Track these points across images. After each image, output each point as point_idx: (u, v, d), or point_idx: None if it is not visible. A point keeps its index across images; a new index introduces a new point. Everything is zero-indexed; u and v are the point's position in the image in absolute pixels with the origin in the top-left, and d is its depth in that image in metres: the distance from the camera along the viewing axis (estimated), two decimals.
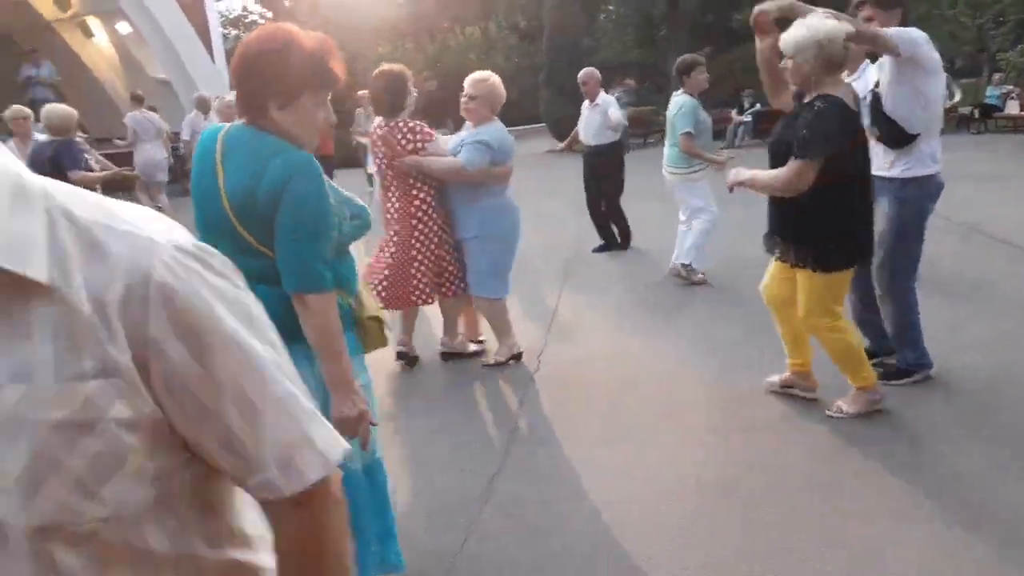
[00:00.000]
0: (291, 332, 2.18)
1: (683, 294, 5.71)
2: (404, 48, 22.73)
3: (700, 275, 5.91)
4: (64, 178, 3.87)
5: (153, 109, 11.09)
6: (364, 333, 2.23)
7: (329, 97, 1.96)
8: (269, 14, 29.80)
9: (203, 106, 10.64)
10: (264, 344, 0.83)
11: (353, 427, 1.96)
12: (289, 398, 0.84)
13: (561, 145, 8.83)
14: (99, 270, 0.73)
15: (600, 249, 7.49)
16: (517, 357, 4.50)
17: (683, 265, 5.93)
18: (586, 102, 7.30)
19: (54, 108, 6.38)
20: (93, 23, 15.40)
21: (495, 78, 4.34)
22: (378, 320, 2.27)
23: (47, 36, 15.52)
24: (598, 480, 3.08)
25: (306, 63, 1.85)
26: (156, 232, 0.77)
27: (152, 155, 10.16)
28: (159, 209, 6.74)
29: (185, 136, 10.69)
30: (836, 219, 3.19)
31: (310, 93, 1.89)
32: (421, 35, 24.24)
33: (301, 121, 1.90)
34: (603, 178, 7.37)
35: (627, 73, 20.37)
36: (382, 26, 25.26)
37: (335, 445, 0.88)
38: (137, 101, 10.78)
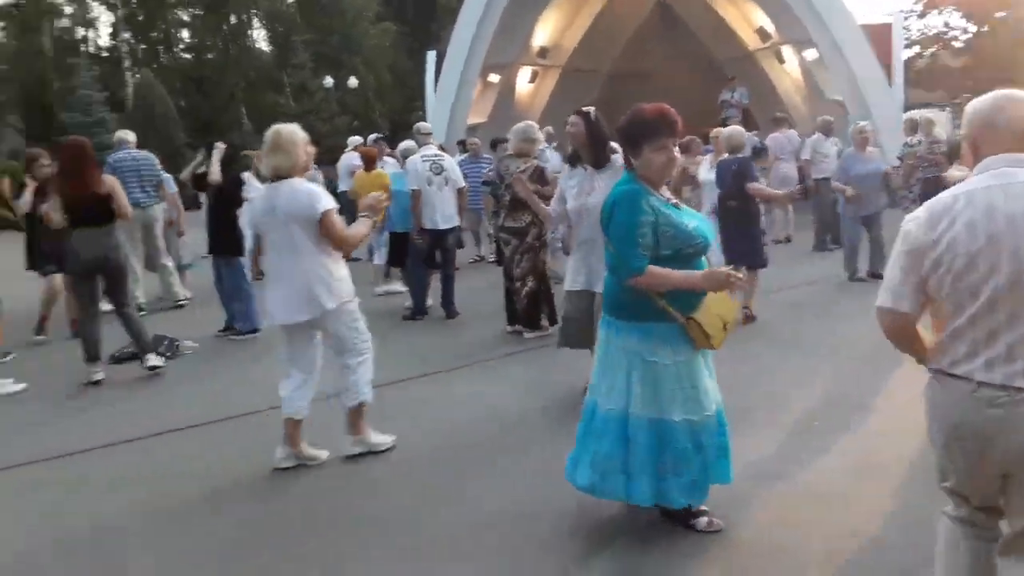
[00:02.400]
0: (623, 308, 3.13)
1: None
2: None
3: None
4: None
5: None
6: (688, 330, 2.97)
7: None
8: (972, 28, 27.94)
9: (826, 129, 11.10)
10: None
11: (720, 283, 2.93)
12: None
13: None
14: None
15: None
16: None
17: None
18: None
19: (732, 130, 7.69)
20: (786, 51, 17.14)
21: None
22: (699, 323, 2.96)
23: (747, 64, 17.90)
24: None
25: None
26: None
27: (786, 172, 11.22)
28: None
29: (805, 156, 11.29)
30: None
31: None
32: None
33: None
34: None
35: None
36: None
37: None
38: (777, 123, 11.89)
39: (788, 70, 17.49)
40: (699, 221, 3.18)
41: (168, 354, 6.43)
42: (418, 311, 7.72)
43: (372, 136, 12.74)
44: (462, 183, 7.78)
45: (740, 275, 3.03)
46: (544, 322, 6.66)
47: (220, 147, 7.28)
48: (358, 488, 3.91)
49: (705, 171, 8.13)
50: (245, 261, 7.29)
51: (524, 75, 19.76)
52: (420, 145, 8.15)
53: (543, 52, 19.50)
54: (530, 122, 6.71)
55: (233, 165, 7.44)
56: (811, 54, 15.93)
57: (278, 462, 4.12)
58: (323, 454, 4.22)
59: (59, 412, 5.34)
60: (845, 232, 8.73)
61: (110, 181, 5.96)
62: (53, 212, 5.69)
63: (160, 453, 4.51)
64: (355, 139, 13.46)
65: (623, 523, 3.28)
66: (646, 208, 2.99)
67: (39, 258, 7.31)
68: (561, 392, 5.02)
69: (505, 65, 18.82)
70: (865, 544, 3.08)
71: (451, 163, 7.91)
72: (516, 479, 3.84)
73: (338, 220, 4.04)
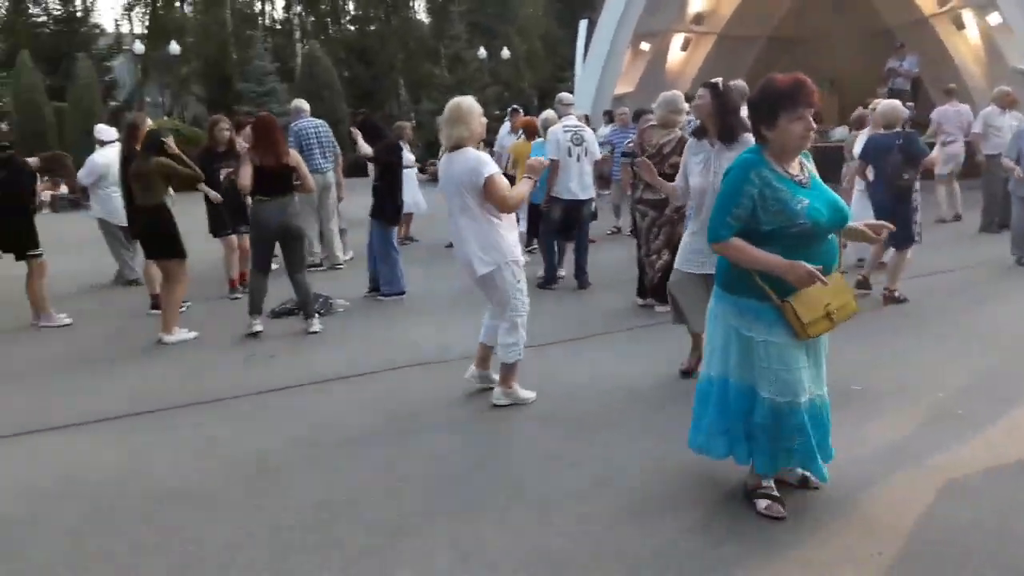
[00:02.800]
0: (726, 279, 3.16)
1: None
2: None
3: None
4: None
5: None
6: (783, 313, 2.94)
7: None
8: None
9: (1003, 101, 10.13)
10: None
11: (799, 277, 2.85)
12: None
13: None
14: None
15: None
16: None
17: None
18: None
19: (888, 103, 7.25)
20: (966, 15, 15.81)
21: None
22: (793, 308, 2.91)
23: (921, 30, 16.65)
24: None
25: None
26: None
27: (953, 149, 10.49)
28: None
29: (976, 129, 10.41)
30: None
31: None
32: None
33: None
34: None
35: None
36: None
37: None
38: (948, 95, 11.06)
39: (967, 36, 16.14)
40: (823, 202, 3.02)
41: (322, 311, 6.95)
42: (550, 280, 7.89)
43: (511, 107, 13.01)
44: (599, 155, 7.84)
45: (823, 277, 2.88)
46: None
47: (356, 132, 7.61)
48: (499, 436, 4.27)
49: (860, 146, 7.78)
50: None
51: (676, 43, 19.35)
52: (561, 116, 8.26)
53: (698, 18, 19.00)
54: (677, 92, 6.62)
55: (378, 133, 7.74)
56: (995, 18, 14.64)
57: (468, 377, 4.84)
58: (530, 394, 4.71)
59: (223, 359, 5.95)
60: (1015, 213, 8.10)
61: (295, 155, 6.51)
62: (244, 180, 6.21)
63: (310, 400, 4.97)
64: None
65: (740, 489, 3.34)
66: (753, 179, 2.96)
67: (216, 222, 7.92)
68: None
69: (657, 33, 18.50)
70: (989, 536, 2.98)
71: (591, 134, 7.99)
72: (639, 442, 3.97)
73: (501, 182, 4.38)
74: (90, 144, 9.35)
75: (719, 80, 4.66)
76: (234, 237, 7.91)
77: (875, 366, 5.01)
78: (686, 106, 6.48)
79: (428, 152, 18.06)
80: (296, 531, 3.26)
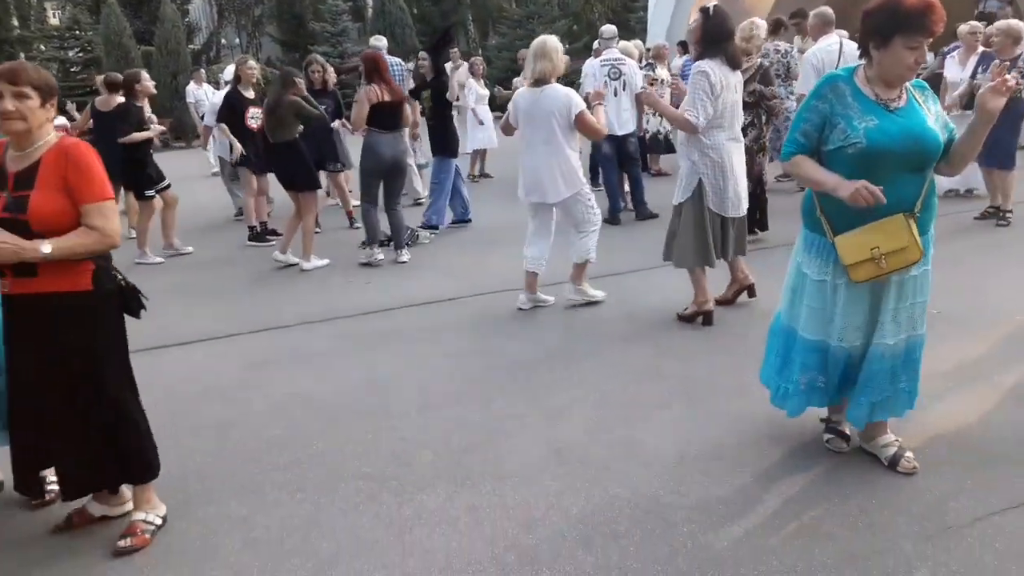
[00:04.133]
0: (803, 210, 3.10)
1: None
2: None
3: None
4: None
5: None
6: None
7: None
8: None
9: None
10: None
11: (853, 194, 2.70)
12: None
13: None
14: None
15: None
16: None
17: None
18: None
19: (1012, 23, 6.89)
20: None
21: None
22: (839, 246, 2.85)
23: None
24: None
25: None
26: None
27: None
28: None
29: None
30: None
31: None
32: None
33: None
34: None
35: None
36: None
37: None
38: None
39: None
40: (898, 127, 2.75)
41: (408, 243, 7.32)
42: (613, 213, 7.93)
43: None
44: (639, 88, 7.76)
45: (877, 194, 2.68)
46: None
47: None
48: (576, 330, 4.93)
49: (954, 69, 7.62)
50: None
51: None
52: (603, 49, 8.24)
53: None
54: (755, 19, 6.54)
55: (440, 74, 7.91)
56: None
57: (520, 304, 5.32)
58: (550, 299, 5.37)
59: (340, 284, 6.39)
60: None
61: (401, 91, 6.77)
62: (358, 119, 6.53)
63: (405, 319, 5.38)
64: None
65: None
66: (827, 94, 2.85)
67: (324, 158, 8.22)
68: (763, 298, 5.11)
69: None
70: None
71: (631, 67, 7.93)
72: (710, 360, 4.25)
73: (589, 115, 4.99)
74: (176, 85, 9.72)
75: (714, 3, 4.61)
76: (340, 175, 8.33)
77: (957, 289, 5.06)
78: (762, 33, 6.44)
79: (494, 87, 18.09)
80: (404, 419, 3.67)
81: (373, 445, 3.53)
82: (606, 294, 5.38)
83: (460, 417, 3.77)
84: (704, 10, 4.63)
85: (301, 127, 6.94)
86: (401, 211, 6.90)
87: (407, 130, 7.34)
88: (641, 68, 8.68)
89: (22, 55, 22.73)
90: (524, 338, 4.82)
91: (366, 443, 3.56)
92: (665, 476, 3.12)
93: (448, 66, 7.91)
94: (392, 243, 6.99)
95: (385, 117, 6.54)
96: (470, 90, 11.11)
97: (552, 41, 4.98)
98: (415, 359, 4.60)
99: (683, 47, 12.94)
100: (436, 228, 7.86)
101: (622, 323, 4.97)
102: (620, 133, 7.74)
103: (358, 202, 7.54)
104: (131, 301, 2.81)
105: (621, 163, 8.02)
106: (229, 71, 9.49)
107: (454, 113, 8.31)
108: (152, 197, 7.48)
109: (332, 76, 8.61)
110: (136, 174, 7.38)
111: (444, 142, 7.82)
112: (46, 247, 2.50)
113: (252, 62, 8.10)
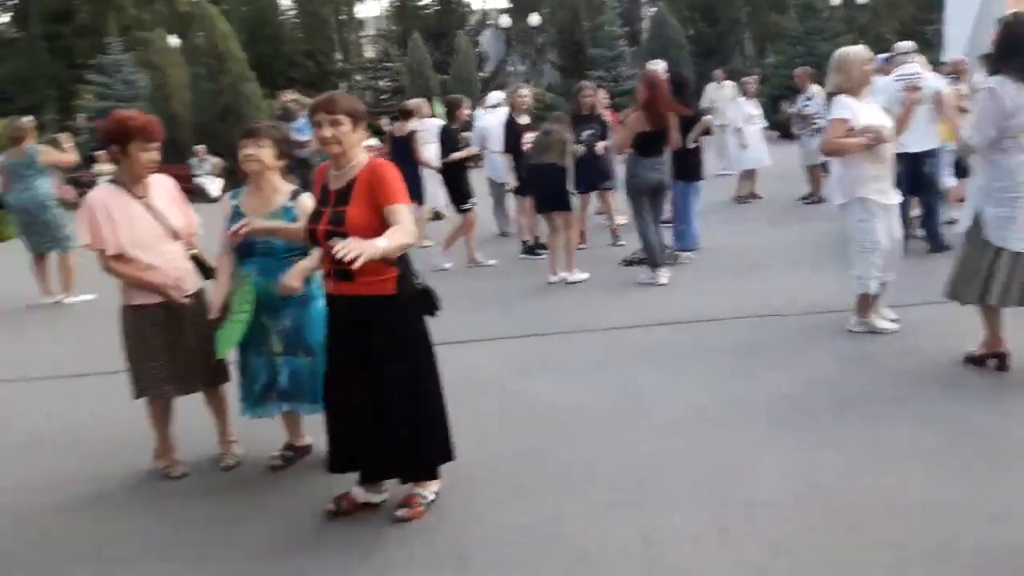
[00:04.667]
0: None
1: None
2: None
3: None
4: None
5: None
6: None
7: None
8: None
9: None
10: None
11: None
12: None
13: None
14: None
15: None
16: None
17: None
18: None
19: None
20: None
21: None
22: None
23: None
24: None
25: None
26: None
27: None
28: None
29: None
30: None
31: None
32: None
33: None
34: None
35: None
36: None
37: None
38: None
39: None
40: None
41: (669, 261, 7.34)
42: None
43: (881, 56, 12.05)
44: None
45: None
46: None
47: None
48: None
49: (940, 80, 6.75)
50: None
51: None
52: (899, 64, 7.68)
53: None
54: None
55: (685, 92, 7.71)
56: None
57: (852, 326, 4.99)
58: (889, 324, 4.98)
59: (603, 297, 6.66)
60: None
61: (672, 112, 6.85)
62: (622, 143, 6.80)
63: (666, 336, 5.43)
64: None
65: None
66: None
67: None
68: None
69: None
70: None
71: (932, 81, 7.26)
72: None
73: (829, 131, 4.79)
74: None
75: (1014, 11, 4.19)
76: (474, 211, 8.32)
77: None
78: None
79: (772, 107, 17.37)
80: (658, 434, 3.74)
81: (624, 456, 3.64)
82: (899, 327, 4.96)
83: (715, 438, 3.76)
84: (1010, 18, 4.16)
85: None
86: (659, 228, 6.96)
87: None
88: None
89: (342, 85, 26.19)
90: (789, 366, 4.65)
91: (617, 454, 3.67)
92: (932, 526, 2.88)
93: (711, 86, 7.77)
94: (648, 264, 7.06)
95: (647, 144, 6.66)
96: (739, 108, 10.90)
97: (845, 53, 4.78)
98: (674, 376, 4.65)
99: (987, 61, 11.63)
100: (677, 252, 7.74)
101: (903, 359, 4.60)
102: (914, 150, 7.15)
103: (624, 220, 7.71)
104: (427, 302, 3.17)
105: (912, 187, 7.35)
106: (491, 97, 10.07)
107: (719, 131, 8.13)
108: (469, 210, 8.14)
109: (602, 100, 8.86)
110: (454, 190, 8.20)
111: (685, 167, 7.68)
112: (382, 242, 2.85)
113: (524, 90, 8.57)
